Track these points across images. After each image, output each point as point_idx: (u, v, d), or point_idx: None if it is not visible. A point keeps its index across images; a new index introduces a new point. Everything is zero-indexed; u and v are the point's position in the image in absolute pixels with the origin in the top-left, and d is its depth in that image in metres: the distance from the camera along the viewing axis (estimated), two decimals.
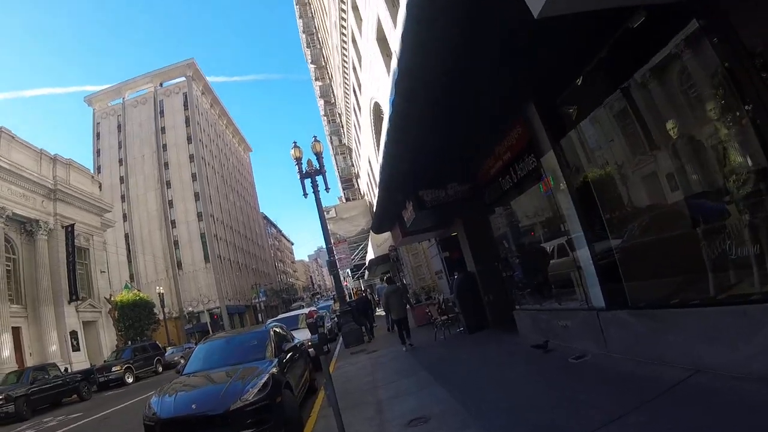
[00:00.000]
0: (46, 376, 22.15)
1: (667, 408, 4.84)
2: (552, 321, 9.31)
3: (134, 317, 49.66)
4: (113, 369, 27.78)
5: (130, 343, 41.27)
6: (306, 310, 20.94)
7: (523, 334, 10.97)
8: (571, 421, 5.25)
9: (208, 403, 7.05)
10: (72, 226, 39.67)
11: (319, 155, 20.55)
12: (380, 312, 27.01)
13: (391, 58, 13.24)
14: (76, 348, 37.59)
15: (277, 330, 10.20)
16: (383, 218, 15.22)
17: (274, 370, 8.07)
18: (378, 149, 26.34)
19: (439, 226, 15.33)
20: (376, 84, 19.95)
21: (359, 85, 28.01)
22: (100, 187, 77.49)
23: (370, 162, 30.77)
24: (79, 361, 35.79)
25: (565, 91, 7.50)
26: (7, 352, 30.75)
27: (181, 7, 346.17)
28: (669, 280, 6.47)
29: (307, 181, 20.03)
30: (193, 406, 7.05)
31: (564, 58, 6.68)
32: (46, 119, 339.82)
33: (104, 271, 46.73)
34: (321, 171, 20.41)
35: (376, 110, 23.53)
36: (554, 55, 6.57)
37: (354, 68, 28.43)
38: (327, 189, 20.68)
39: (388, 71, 15.10)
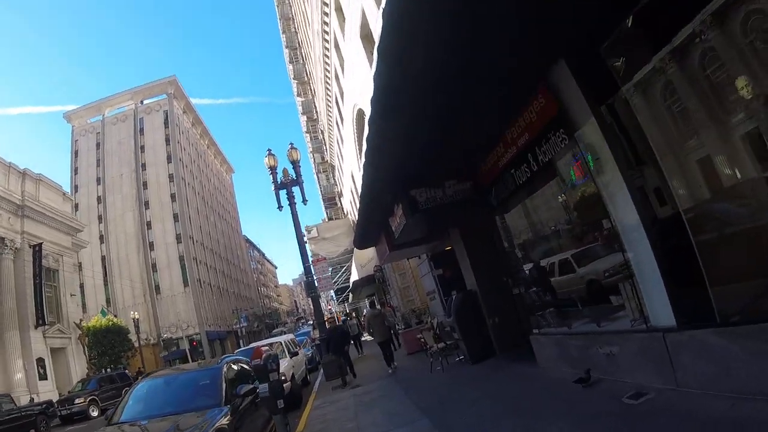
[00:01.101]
0: None
1: None
2: (590, 348, 7.19)
3: (107, 344, 47.21)
4: (76, 401, 25.57)
5: (97, 372, 38.61)
6: (283, 338, 18.70)
7: (543, 365, 8.88)
8: None
9: None
10: (40, 245, 37.07)
11: (295, 164, 18.53)
12: (367, 337, 25.04)
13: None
14: (43, 377, 35.00)
15: (234, 367, 7.97)
16: (367, 228, 12.95)
17: (224, 421, 6.11)
18: (361, 159, 24.62)
19: (432, 237, 13.23)
20: (359, 89, 18.38)
21: (341, 94, 26.49)
22: (76, 207, 75.88)
23: (353, 177, 28.97)
24: (47, 391, 33.43)
25: (614, 35, 5.51)
26: None
27: (164, 27, 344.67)
28: None
29: (283, 193, 18.02)
30: None
31: None
32: (28, 138, 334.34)
33: (74, 294, 43.98)
34: (298, 181, 18.37)
35: (360, 118, 21.93)
36: None
37: (336, 76, 27.04)
38: (304, 201, 18.65)
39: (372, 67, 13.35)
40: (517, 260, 9.71)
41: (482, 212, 10.37)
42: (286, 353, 15.55)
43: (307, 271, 17.05)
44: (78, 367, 39.47)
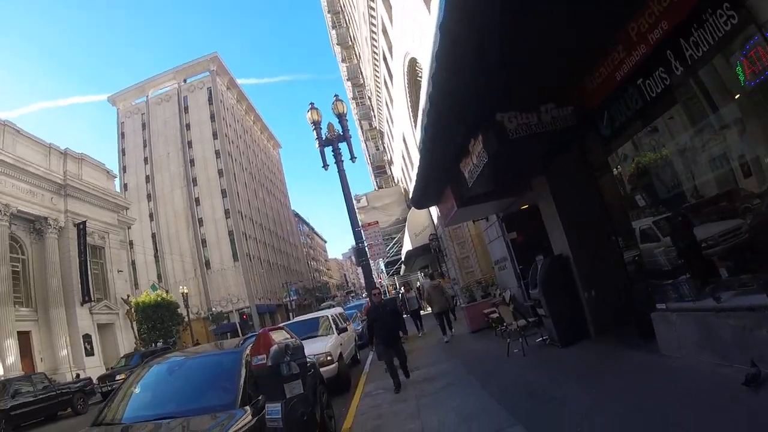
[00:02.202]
0: (32, 389, 18.77)
1: None
2: (756, 331, 4.84)
3: (157, 319, 47.21)
4: (117, 377, 24.22)
5: (146, 347, 38.13)
6: (331, 311, 16.70)
7: (671, 352, 6.54)
8: None
9: None
10: (84, 223, 37.12)
11: (341, 117, 16.30)
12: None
13: None
14: (89, 353, 35.22)
15: None
16: (429, 180, 10.45)
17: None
18: (413, 119, 22.37)
19: (508, 191, 10.74)
20: (411, 32, 16.14)
21: (389, 48, 24.18)
22: (125, 187, 76.59)
23: (404, 139, 26.73)
24: (94, 366, 33.56)
25: None
26: (12, 358, 28.30)
27: (207, 6, 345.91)
28: None
29: (329, 152, 15.91)
30: None
31: None
32: (78, 127, 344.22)
33: (121, 271, 43.72)
34: (345, 136, 16.15)
35: (411, 69, 19.79)
36: None
37: (384, 29, 24.78)
38: (353, 158, 16.34)
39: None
40: (637, 211, 7.24)
41: (583, 150, 7.98)
42: (334, 329, 13.67)
43: (356, 236, 14.90)
44: (126, 342, 39.34)
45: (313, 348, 11.44)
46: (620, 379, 6.45)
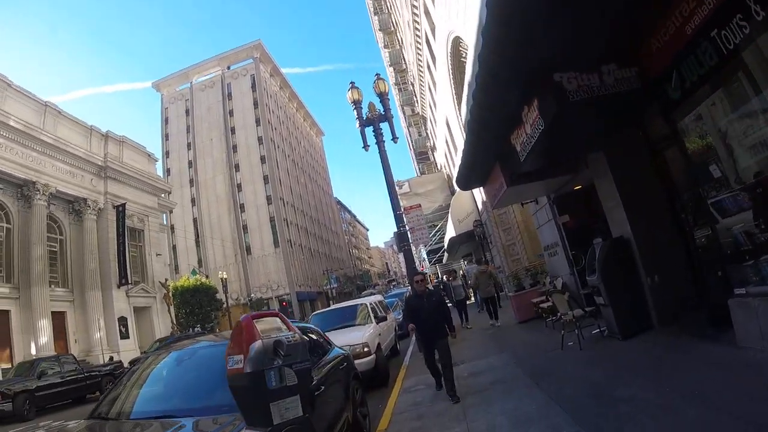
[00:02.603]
0: (59, 370, 18.59)
1: None
2: None
3: (195, 303, 47.32)
4: None
5: (183, 331, 38.25)
6: (370, 299, 16.06)
7: (750, 343, 5.77)
8: None
9: None
10: (123, 205, 37.12)
11: (383, 96, 15.62)
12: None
13: None
14: (125, 335, 35.14)
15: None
16: (477, 155, 9.58)
17: None
18: (457, 102, 21.52)
19: (563, 168, 9.87)
20: (455, 9, 15.53)
21: (432, 30, 23.45)
22: (168, 172, 77.79)
23: (448, 124, 25.94)
24: (128, 350, 33.62)
25: None
26: (45, 338, 28.28)
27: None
28: None
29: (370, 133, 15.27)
30: None
31: None
32: (124, 113, 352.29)
33: (160, 254, 43.66)
34: (386, 116, 15.47)
35: (456, 49, 19.06)
36: None
37: (426, 11, 24.12)
38: (394, 138, 15.66)
39: None
40: (711, 184, 6.35)
41: (645, 121, 7.09)
42: (372, 318, 13.01)
43: (398, 220, 14.18)
44: (162, 326, 39.29)
45: (349, 338, 10.83)
46: (694, 377, 5.60)
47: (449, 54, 20.07)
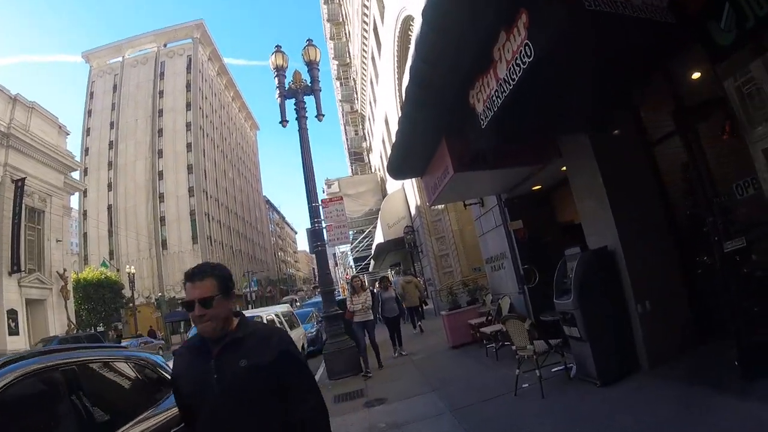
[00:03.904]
0: None
1: None
2: None
3: (98, 299, 43.05)
4: None
5: (78, 330, 34.18)
6: (275, 309, 13.33)
7: None
8: None
9: None
10: (23, 180, 32.33)
11: (312, 65, 13.17)
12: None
13: None
14: (14, 331, 30.24)
15: None
16: (418, 125, 6.82)
17: None
18: (400, 92, 19.32)
19: (528, 156, 7.44)
20: None
21: (382, 14, 21.60)
22: (86, 151, 71.90)
23: (387, 121, 23.85)
24: (18, 348, 28.18)
25: None
26: None
27: None
28: None
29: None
30: None
31: None
32: (56, 85, 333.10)
33: (60, 240, 38.87)
34: (313, 87, 13.00)
35: (405, 29, 17.41)
36: None
37: None
38: (319, 116, 13.08)
39: None
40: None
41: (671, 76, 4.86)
42: None
43: (313, 213, 11.46)
44: (58, 323, 34.53)
45: None
46: None
47: (397, 37, 18.52)
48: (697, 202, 5.67)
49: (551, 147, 7.23)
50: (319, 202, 12.18)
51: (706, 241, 5.32)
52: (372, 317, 11.01)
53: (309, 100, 13.10)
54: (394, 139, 8.26)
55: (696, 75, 5.42)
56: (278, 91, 12.75)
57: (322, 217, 12.25)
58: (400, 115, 7.29)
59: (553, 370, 6.89)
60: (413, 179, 20.32)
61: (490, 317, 10.35)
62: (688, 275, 6.35)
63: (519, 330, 6.36)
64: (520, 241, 9.81)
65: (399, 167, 9.24)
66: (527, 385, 6.59)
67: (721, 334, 5.57)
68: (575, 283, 6.02)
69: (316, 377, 11.59)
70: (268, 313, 11.04)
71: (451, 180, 7.41)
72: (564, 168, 7.51)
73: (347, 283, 46.46)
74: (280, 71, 12.98)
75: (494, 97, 4.98)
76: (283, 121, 12.72)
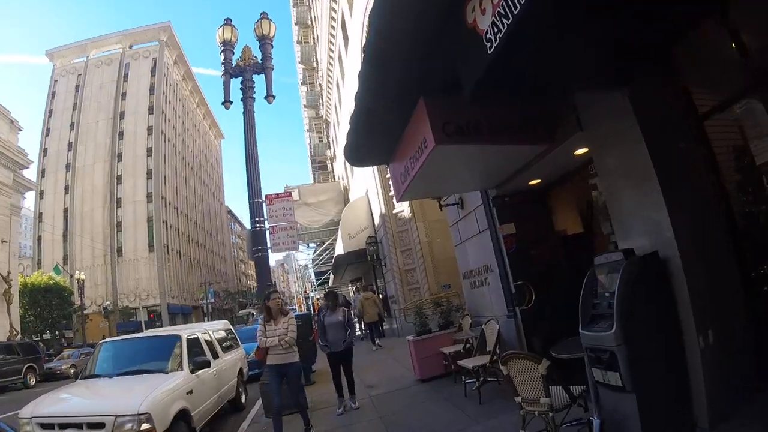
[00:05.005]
0: None
1: None
2: None
3: (45, 306, 40.46)
4: None
5: (19, 337, 31.50)
6: (212, 326, 11.13)
7: None
8: None
9: None
10: None
11: (265, 41, 11.27)
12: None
13: None
14: None
15: None
16: (387, 82, 4.82)
17: None
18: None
19: (538, 128, 5.45)
20: None
21: (351, 7, 20.11)
22: (45, 152, 68.50)
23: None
24: None
25: None
26: None
27: None
28: None
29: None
30: None
31: None
32: (20, 85, 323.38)
33: (6, 241, 36.24)
34: (264, 65, 11.08)
35: None
36: None
37: None
38: (269, 98, 11.07)
39: None
40: None
41: None
42: (185, 364, 7.64)
43: (254, 210, 9.32)
44: (1, 328, 32.28)
45: (113, 401, 6.00)
46: None
47: (365, 26, 16.40)
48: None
49: (568, 118, 5.28)
50: (263, 198, 10.04)
51: None
52: (297, 359, 7.14)
53: (259, 80, 11.17)
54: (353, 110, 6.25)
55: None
56: (223, 68, 10.73)
57: (266, 217, 10.11)
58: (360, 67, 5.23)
59: (566, 425, 4.82)
60: (378, 182, 18.36)
61: (469, 346, 8.29)
62: (748, 293, 4.52)
63: (529, 375, 4.29)
64: (508, 251, 7.86)
65: (358, 146, 6.97)
66: None
67: None
68: (620, 307, 3.99)
69: (252, 412, 9.47)
70: (191, 332, 8.72)
71: (430, 156, 5.33)
72: (579, 151, 5.61)
73: (317, 299, 42.99)
74: (227, 46, 10.97)
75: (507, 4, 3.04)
76: (226, 102, 10.64)
